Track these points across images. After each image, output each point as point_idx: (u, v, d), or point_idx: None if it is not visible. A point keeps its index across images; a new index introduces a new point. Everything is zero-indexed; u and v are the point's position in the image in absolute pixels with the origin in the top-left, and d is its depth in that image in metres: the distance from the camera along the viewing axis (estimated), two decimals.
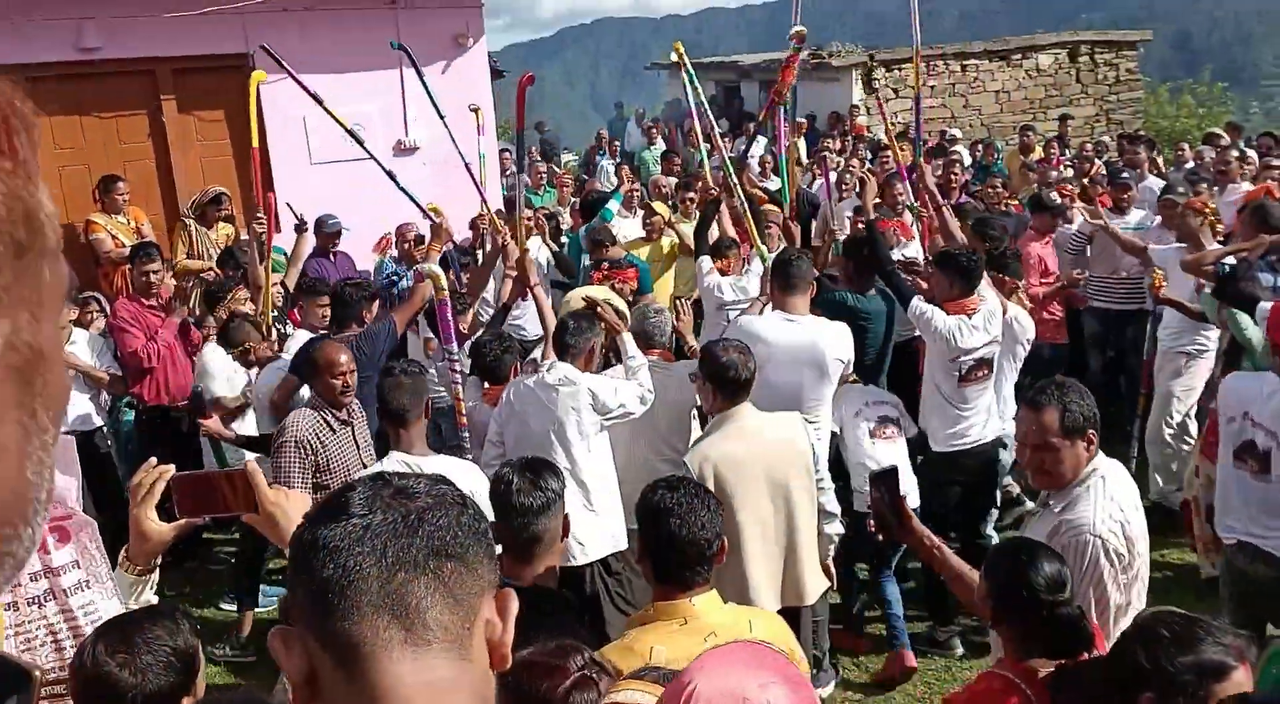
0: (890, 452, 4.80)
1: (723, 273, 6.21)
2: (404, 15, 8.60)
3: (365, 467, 4.38)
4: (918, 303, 5.01)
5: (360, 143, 5.96)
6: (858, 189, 7.51)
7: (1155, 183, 8.63)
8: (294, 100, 8.21)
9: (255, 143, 6.33)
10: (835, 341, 4.70)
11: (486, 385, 5.02)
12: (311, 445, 4.38)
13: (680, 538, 2.61)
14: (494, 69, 11.08)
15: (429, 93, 6.35)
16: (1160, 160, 10.75)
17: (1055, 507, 3.07)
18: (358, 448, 4.58)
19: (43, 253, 0.51)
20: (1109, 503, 2.98)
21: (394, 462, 3.82)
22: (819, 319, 4.83)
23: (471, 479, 3.78)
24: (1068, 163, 10.78)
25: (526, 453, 3.70)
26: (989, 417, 5.08)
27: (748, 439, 3.88)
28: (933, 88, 16.18)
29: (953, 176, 8.88)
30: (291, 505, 1.84)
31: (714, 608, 2.60)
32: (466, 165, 6.62)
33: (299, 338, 5.47)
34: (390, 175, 6.10)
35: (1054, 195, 7.46)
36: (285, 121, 8.31)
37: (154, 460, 2.08)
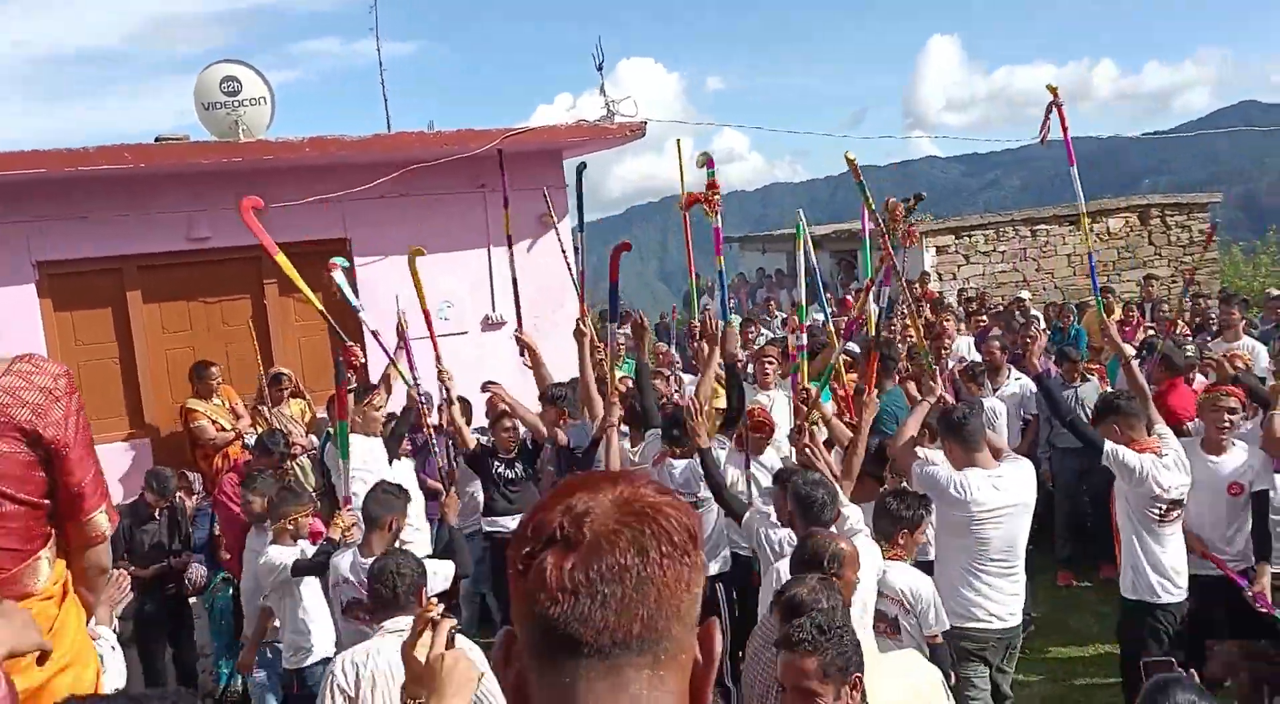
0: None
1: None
2: (491, 198, 9.01)
3: None
4: (1110, 446, 5.07)
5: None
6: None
7: (1249, 342, 8.52)
8: (386, 280, 8.61)
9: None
10: (1031, 483, 5.00)
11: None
12: None
13: None
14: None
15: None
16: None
17: None
18: None
19: None
20: None
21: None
22: (1008, 466, 4.96)
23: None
24: (1149, 325, 10.68)
25: None
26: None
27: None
28: (1002, 253, 16.34)
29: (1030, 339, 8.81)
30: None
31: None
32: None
33: None
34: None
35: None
36: (377, 300, 8.64)
37: (436, 603, 2.02)
